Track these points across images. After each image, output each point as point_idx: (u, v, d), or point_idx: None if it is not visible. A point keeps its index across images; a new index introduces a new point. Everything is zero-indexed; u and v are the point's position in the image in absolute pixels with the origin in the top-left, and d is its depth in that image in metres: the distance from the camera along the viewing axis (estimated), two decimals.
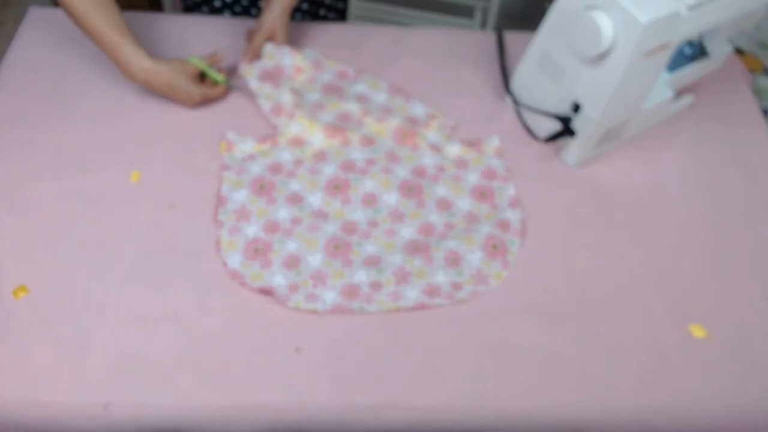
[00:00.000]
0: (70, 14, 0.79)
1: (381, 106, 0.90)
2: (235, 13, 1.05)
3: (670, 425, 0.68)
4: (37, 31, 0.95)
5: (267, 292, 0.72)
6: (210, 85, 0.88)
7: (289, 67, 0.92)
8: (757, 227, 0.83)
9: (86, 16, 0.78)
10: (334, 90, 0.92)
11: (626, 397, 0.68)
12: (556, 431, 0.68)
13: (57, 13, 0.97)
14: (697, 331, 0.73)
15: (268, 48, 0.91)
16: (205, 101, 0.87)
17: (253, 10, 1.05)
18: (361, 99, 0.91)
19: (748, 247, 0.81)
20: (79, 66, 0.91)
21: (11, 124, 0.84)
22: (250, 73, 0.91)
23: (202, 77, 0.88)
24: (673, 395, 0.68)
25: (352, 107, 0.89)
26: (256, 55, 0.91)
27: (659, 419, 0.68)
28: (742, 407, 0.69)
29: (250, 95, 0.88)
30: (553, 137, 0.84)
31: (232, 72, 0.92)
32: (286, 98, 0.88)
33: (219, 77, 0.88)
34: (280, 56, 0.92)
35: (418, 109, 0.90)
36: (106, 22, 0.78)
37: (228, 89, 0.90)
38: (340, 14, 1.14)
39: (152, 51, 0.95)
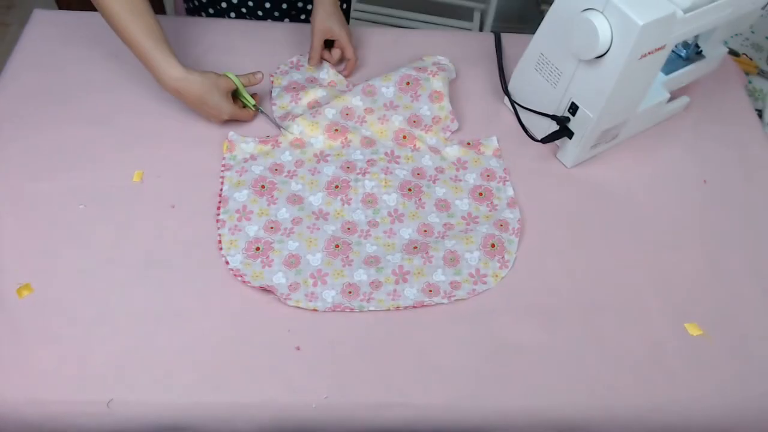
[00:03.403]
0: (106, 18, 0.78)
1: (387, 101, 0.90)
2: (240, 16, 1.06)
3: (669, 424, 0.68)
4: (41, 33, 0.95)
5: (268, 290, 0.73)
6: (240, 106, 0.86)
7: (324, 80, 0.93)
8: (754, 226, 0.84)
9: (121, 22, 0.77)
10: (344, 90, 0.92)
11: (624, 396, 0.68)
12: (553, 430, 0.68)
13: (61, 16, 0.98)
14: (695, 331, 0.73)
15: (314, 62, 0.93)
16: (232, 120, 0.86)
17: (260, 12, 1.06)
18: (369, 92, 0.91)
19: (746, 246, 0.81)
20: (82, 67, 0.92)
21: (16, 124, 0.85)
22: (279, 82, 0.92)
23: (233, 95, 0.86)
24: (672, 394, 0.69)
25: (356, 102, 0.89)
26: (318, 58, 0.93)
27: (658, 418, 0.68)
28: (740, 406, 0.69)
29: (274, 123, 0.88)
30: (551, 138, 0.85)
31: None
32: (298, 110, 0.89)
33: (251, 101, 0.86)
34: (319, 70, 0.94)
35: (424, 109, 0.90)
36: (141, 27, 0.77)
37: (256, 114, 0.88)
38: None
39: None
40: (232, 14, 1.06)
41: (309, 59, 0.93)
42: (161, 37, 0.79)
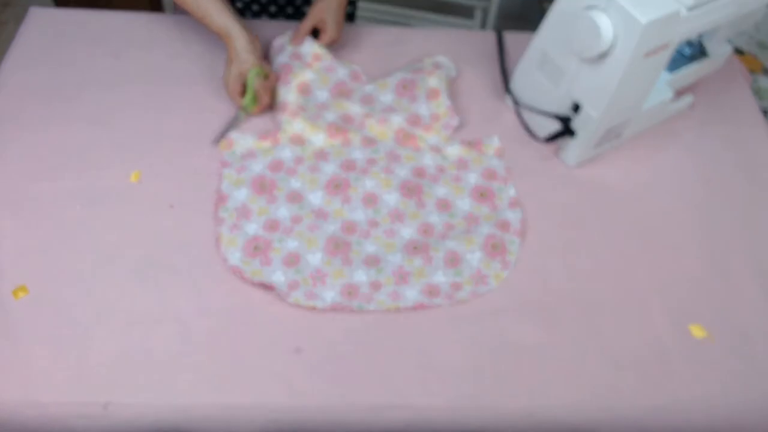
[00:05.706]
0: None
1: (385, 107, 0.90)
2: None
3: (670, 425, 0.68)
4: (37, 31, 0.95)
5: (267, 287, 0.72)
6: (240, 96, 0.87)
7: (308, 54, 0.92)
8: (757, 227, 0.83)
9: None
10: (342, 92, 0.91)
11: (626, 397, 0.68)
12: (555, 431, 0.68)
13: (58, 14, 0.97)
14: (697, 331, 0.73)
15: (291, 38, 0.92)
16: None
17: (264, 16, 1.05)
18: (367, 100, 0.91)
19: (748, 247, 0.81)
20: (79, 66, 0.91)
21: (11, 124, 0.84)
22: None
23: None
24: (673, 395, 0.68)
25: (356, 109, 0.89)
26: (302, 40, 0.92)
27: (659, 419, 0.68)
28: (742, 407, 0.69)
29: (223, 131, 0.86)
30: (553, 137, 0.84)
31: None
32: (292, 97, 0.88)
33: (246, 102, 0.86)
34: (301, 45, 0.93)
35: (423, 109, 0.90)
36: None
37: (238, 110, 0.88)
38: (348, 16, 1.15)
39: (152, 51, 0.96)
40: None
41: (292, 39, 0.92)
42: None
